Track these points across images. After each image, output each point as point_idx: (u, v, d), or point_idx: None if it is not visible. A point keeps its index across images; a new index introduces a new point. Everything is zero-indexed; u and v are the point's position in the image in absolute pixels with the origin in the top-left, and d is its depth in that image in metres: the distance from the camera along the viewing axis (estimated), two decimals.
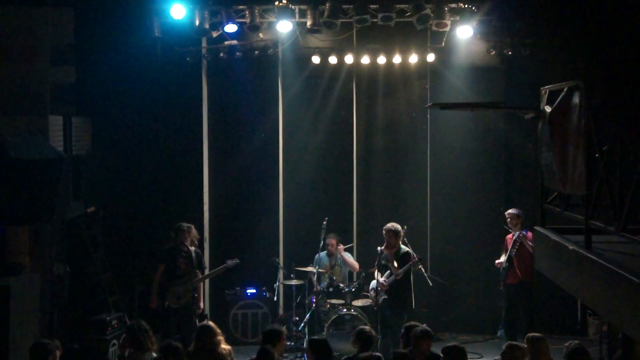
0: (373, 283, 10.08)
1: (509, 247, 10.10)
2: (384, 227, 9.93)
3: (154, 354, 7.23)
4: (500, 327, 10.70)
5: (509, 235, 10.16)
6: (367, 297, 10.42)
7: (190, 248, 9.80)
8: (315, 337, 8.47)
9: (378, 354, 7.38)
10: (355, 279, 11.24)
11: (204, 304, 10.35)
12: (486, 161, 11.82)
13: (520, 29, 10.90)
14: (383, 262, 9.93)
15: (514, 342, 7.34)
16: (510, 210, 10.22)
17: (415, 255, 9.82)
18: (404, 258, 9.74)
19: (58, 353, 7.22)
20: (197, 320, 9.55)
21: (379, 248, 10.32)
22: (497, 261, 10.36)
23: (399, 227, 9.89)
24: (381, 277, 9.90)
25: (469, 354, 8.78)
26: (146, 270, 10.46)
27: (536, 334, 7.33)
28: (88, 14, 10.86)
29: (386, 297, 9.78)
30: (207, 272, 10.29)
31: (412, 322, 7.68)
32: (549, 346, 7.22)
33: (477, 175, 11.78)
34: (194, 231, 9.94)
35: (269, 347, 6.92)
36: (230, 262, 10.07)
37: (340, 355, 8.70)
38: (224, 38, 11.17)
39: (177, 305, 9.64)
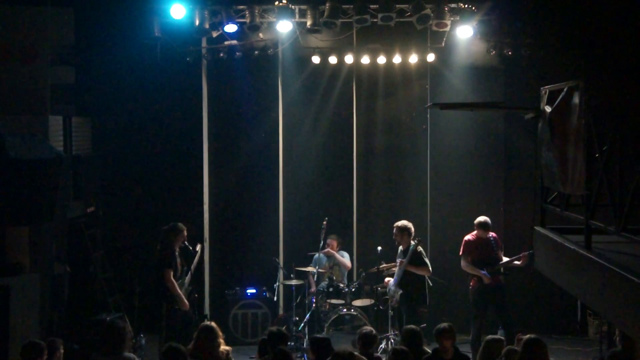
0: (390, 283, 10.09)
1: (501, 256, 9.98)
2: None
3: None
4: (500, 327, 10.68)
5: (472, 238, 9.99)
6: (367, 297, 10.43)
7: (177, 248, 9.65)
8: (317, 335, 8.46)
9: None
10: (355, 278, 11.25)
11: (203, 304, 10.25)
12: (486, 161, 11.81)
13: (520, 29, 10.90)
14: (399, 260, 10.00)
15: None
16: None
17: (417, 239, 9.86)
18: (415, 254, 9.78)
19: (61, 350, 7.25)
20: (198, 319, 9.51)
21: (378, 248, 10.34)
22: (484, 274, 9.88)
23: (404, 224, 9.92)
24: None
25: (469, 353, 8.82)
26: (149, 272, 10.34)
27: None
28: (88, 14, 10.86)
29: (401, 292, 9.83)
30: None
31: (411, 326, 7.72)
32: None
33: (477, 175, 11.77)
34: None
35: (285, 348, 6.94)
36: (197, 250, 9.91)
37: None
38: (224, 38, 11.17)
39: (185, 307, 9.51)
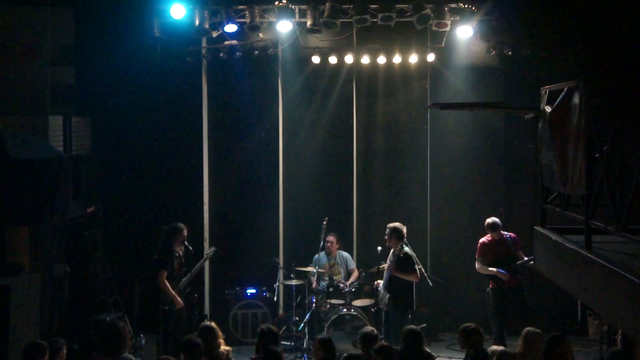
0: (380, 285, 10.02)
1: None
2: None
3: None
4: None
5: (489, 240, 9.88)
6: (367, 297, 10.41)
7: (178, 248, 9.61)
8: (321, 336, 8.43)
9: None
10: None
11: (199, 302, 10.18)
12: (486, 161, 11.82)
13: (520, 29, 10.90)
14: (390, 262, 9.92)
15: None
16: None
17: (400, 243, 9.65)
18: (400, 259, 9.66)
19: (64, 351, 7.26)
20: (198, 319, 9.50)
21: (378, 248, 10.31)
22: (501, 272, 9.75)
23: (395, 226, 9.74)
24: None
25: None
26: (147, 272, 10.35)
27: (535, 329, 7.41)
28: (88, 14, 10.86)
29: (389, 295, 9.75)
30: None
31: (411, 326, 7.69)
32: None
33: (477, 175, 11.78)
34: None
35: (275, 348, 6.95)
36: (207, 253, 9.95)
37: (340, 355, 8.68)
38: (224, 38, 11.17)
39: (174, 307, 9.43)
